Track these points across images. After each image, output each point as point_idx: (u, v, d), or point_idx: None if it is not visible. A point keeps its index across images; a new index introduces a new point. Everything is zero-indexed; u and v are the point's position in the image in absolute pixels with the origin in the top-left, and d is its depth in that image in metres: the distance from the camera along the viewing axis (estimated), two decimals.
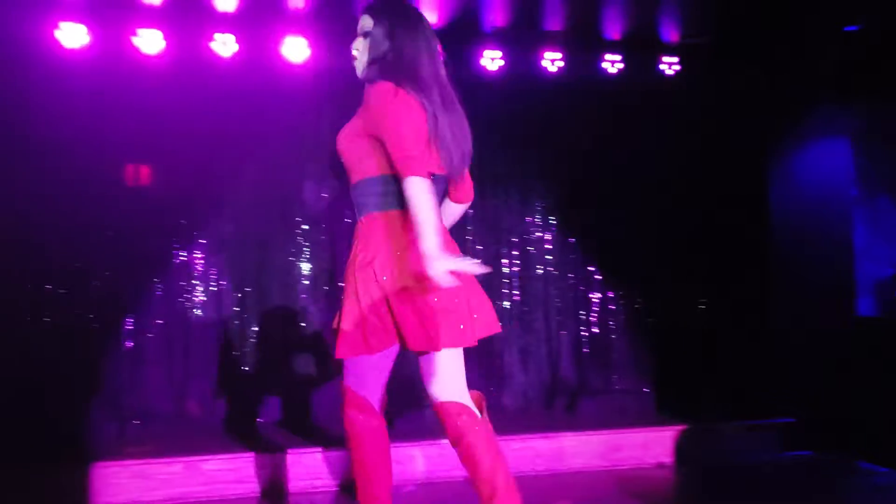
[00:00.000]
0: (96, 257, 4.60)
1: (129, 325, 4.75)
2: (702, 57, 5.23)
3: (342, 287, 2.52)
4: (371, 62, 2.49)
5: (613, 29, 5.07)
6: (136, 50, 4.58)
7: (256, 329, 4.95)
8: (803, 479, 4.14)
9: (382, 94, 2.35)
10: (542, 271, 5.45)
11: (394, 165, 2.33)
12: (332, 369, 4.61)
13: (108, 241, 4.62)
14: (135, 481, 3.75)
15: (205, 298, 4.93)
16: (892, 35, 4.30)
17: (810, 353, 4.78)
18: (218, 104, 4.80)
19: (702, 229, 5.36)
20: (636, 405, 5.04)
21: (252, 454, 3.91)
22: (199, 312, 4.90)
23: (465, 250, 5.31)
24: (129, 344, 4.73)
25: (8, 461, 3.68)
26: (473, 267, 2.24)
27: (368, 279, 2.36)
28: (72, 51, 4.48)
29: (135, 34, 4.54)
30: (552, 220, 5.48)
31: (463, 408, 2.42)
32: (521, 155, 5.40)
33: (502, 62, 5.04)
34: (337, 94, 4.75)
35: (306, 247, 5.06)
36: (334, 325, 2.49)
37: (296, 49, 4.75)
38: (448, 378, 2.45)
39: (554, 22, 4.98)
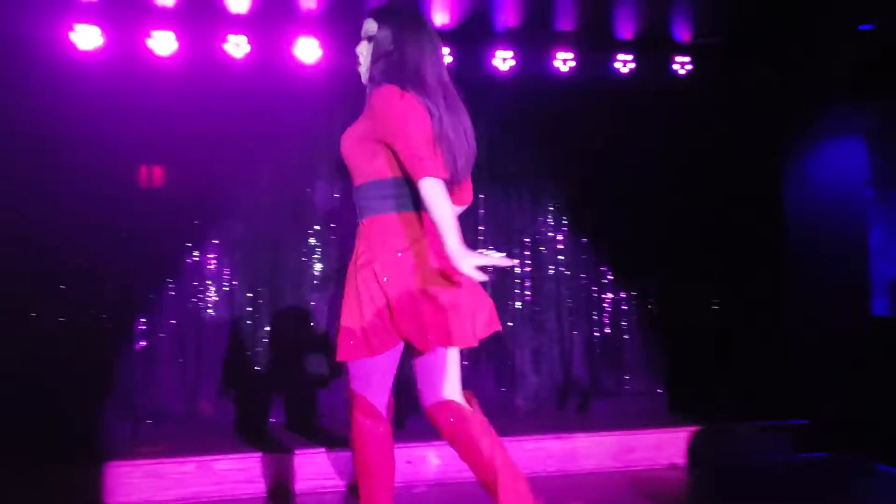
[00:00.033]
0: (110, 258, 4.62)
1: (143, 325, 4.77)
2: (714, 57, 5.21)
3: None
4: (375, 66, 2.50)
5: (625, 29, 5.05)
6: (150, 51, 4.60)
7: (268, 329, 4.96)
8: (818, 481, 4.11)
9: (388, 97, 2.36)
10: (553, 271, 5.44)
11: (405, 167, 2.34)
12: (343, 370, 4.61)
13: (122, 242, 4.64)
14: (148, 481, 3.76)
15: (217, 299, 4.94)
16: None
17: (825, 353, 4.75)
18: (230, 105, 4.82)
19: (715, 229, 5.34)
20: (649, 406, 5.03)
21: (264, 454, 3.92)
22: (211, 313, 4.92)
23: (476, 250, 5.29)
24: (142, 344, 4.76)
25: (22, 460, 3.70)
26: (500, 260, 2.26)
27: (369, 280, 2.37)
28: (86, 52, 4.51)
29: (148, 36, 4.57)
30: (564, 221, 5.47)
31: (456, 405, 2.47)
32: (533, 155, 5.39)
33: (514, 62, 5.04)
34: (349, 94, 4.72)
35: (318, 247, 5.07)
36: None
37: (308, 50, 4.76)
38: (446, 377, 2.49)
39: (566, 22, 4.97)
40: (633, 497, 3.84)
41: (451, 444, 2.48)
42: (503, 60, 5.02)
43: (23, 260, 4.24)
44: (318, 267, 5.06)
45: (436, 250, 2.41)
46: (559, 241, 5.47)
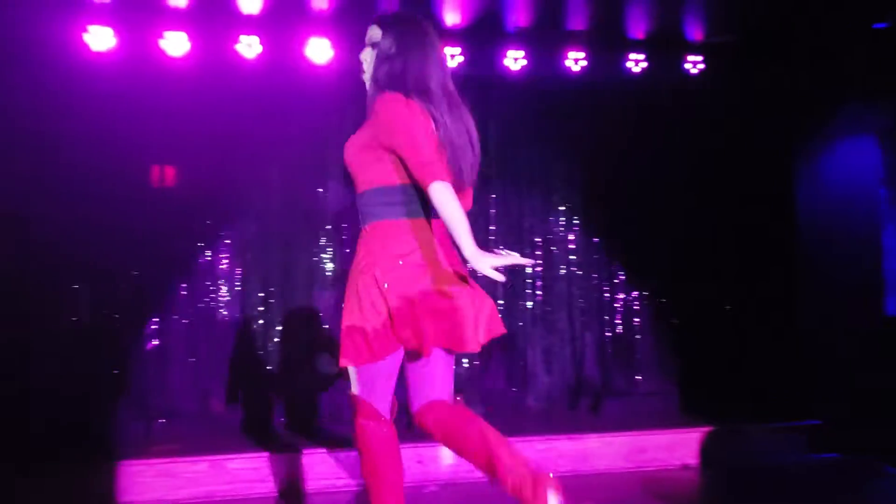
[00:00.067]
0: (123, 258, 4.65)
1: (155, 324, 4.80)
2: (727, 56, 5.19)
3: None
4: (378, 72, 2.50)
5: (637, 28, 5.04)
6: (162, 52, 4.62)
7: (280, 329, 4.98)
8: (830, 482, 4.09)
9: (392, 104, 2.37)
10: (565, 271, 5.44)
11: (413, 174, 2.35)
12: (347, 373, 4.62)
13: (135, 242, 4.66)
14: (160, 480, 3.78)
15: (229, 298, 4.96)
16: None
17: (838, 353, 4.72)
18: (242, 105, 4.84)
19: (727, 229, 5.32)
20: (661, 406, 5.02)
21: (276, 453, 3.94)
22: (223, 312, 4.94)
23: (488, 250, 5.29)
24: (155, 343, 4.78)
25: (36, 459, 3.73)
26: (518, 260, 2.26)
27: (370, 286, 2.37)
28: (99, 53, 4.53)
29: (161, 37, 4.59)
30: (576, 220, 5.47)
31: (443, 402, 2.47)
32: (544, 155, 5.39)
33: (525, 62, 5.03)
34: (360, 94, 4.71)
35: (329, 247, 5.08)
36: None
37: (319, 50, 4.77)
38: (440, 382, 2.49)
39: (577, 21, 4.96)
40: (644, 497, 3.83)
41: (445, 441, 2.45)
42: (514, 60, 5.02)
43: (36, 260, 4.27)
44: (329, 267, 5.07)
45: (444, 256, 2.42)
46: (571, 241, 5.46)
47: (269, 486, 3.88)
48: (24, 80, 4.27)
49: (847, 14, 4.49)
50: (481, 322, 2.43)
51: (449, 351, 2.48)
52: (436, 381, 2.49)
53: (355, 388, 2.48)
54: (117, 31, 4.53)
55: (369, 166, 2.44)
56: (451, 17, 4.79)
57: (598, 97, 5.22)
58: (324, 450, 3.99)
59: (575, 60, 5.09)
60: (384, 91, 2.42)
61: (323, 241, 5.08)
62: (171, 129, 4.73)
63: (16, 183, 4.19)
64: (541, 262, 5.41)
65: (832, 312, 4.81)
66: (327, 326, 4.99)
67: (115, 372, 4.57)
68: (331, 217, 5.06)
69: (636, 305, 5.49)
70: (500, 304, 5.34)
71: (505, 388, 5.25)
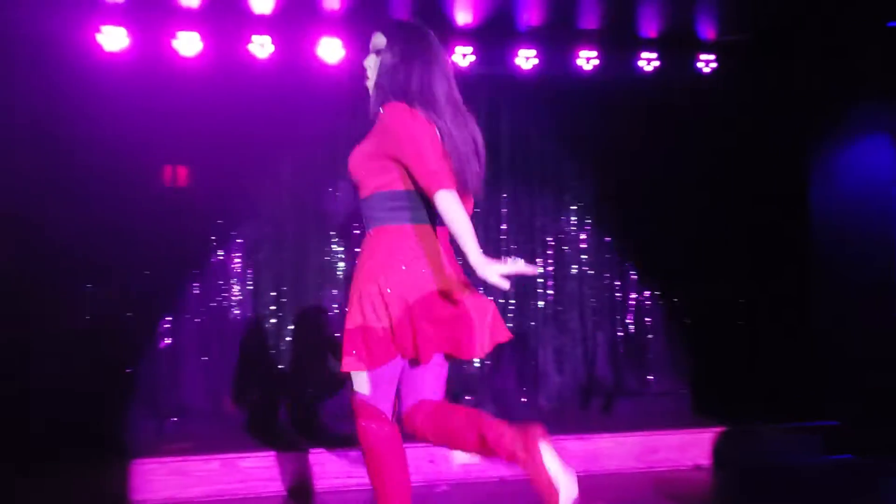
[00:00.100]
0: (135, 257, 4.66)
1: (168, 323, 4.82)
2: (740, 55, 5.17)
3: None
4: (383, 80, 2.51)
5: (650, 27, 5.03)
6: (175, 52, 4.64)
7: (292, 328, 4.99)
8: (844, 484, 4.06)
9: (397, 114, 2.38)
10: (577, 271, 5.42)
11: (419, 184, 2.36)
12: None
13: (147, 242, 4.68)
14: (173, 478, 3.80)
15: (241, 298, 4.98)
16: None
17: (852, 353, 4.69)
18: (255, 105, 4.85)
19: (740, 228, 5.29)
20: (673, 406, 5.00)
21: (288, 452, 3.94)
22: (236, 311, 4.96)
23: (499, 250, 5.31)
24: (168, 342, 4.80)
25: (49, 458, 3.75)
26: (525, 268, 2.24)
27: (373, 292, 2.38)
28: (112, 53, 4.55)
29: (174, 37, 4.60)
30: (587, 220, 5.45)
31: (431, 401, 2.50)
32: (556, 154, 5.39)
33: (537, 61, 5.02)
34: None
35: (341, 247, 5.09)
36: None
37: (331, 50, 4.78)
38: (434, 384, 2.52)
39: (589, 20, 4.95)
40: (656, 498, 3.82)
41: (435, 435, 2.45)
42: (526, 59, 5.01)
43: (49, 260, 4.29)
44: (341, 266, 5.08)
45: (447, 263, 2.44)
46: (582, 241, 5.45)
47: (280, 485, 3.90)
48: (38, 80, 4.29)
49: (861, 12, 4.46)
50: (485, 329, 2.44)
51: (450, 357, 2.50)
52: (427, 384, 2.51)
53: (358, 390, 2.48)
54: (130, 32, 4.55)
55: (375, 175, 2.45)
56: (463, 17, 4.79)
57: (611, 96, 5.20)
58: (336, 448, 4.00)
59: (587, 59, 5.07)
60: (389, 100, 2.44)
61: (334, 240, 5.09)
62: (182, 129, 4.75)
63: (30, 183, 4.21)
64: (552, 261, 5.40)
65: (845, 312, 4.78)
66: (339, 325, 4.99)
67: (128, 371, 4.59)
68: (342, 217, 5.07)
69: (648, 305, 5.47)
70: (512, 304, 5.34)
71: (516, 387, 5.25)
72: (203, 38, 4.64)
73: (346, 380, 4.71)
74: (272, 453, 3.93)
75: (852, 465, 4.36)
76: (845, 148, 4.90)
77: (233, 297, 4.97)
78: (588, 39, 5.06)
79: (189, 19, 4.62)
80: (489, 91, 5.25)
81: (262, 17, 4.71)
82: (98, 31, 4.50)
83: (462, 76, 4.84)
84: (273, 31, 4.72)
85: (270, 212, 5.02)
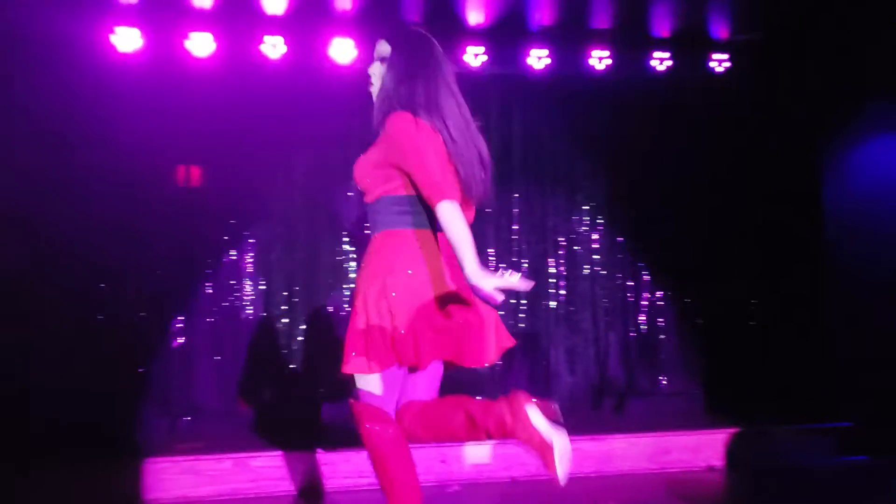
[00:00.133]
0: (148, 256, 4.69)
1: (180, 323, 4.84)
2: (752, 54, 5.14)
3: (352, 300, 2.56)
4: (387, 89, 2.52)
5: (662, 26, 5.01)
6: (188, 53, 4.65)
7: (304, 328, 5.00)
8: (859, 485, 4.03)
9: (402, 124, 2.39)
10: (588, 271, 5.41)
11: (422, 193, 2.37)
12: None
13: (160, 242, 4.70)
14: (185, 477, 3.81)
15: (253, 297, 5.00)
16: None
17: (865, 352, 4.66)
18: (267, 106, 4.87)
19: (752, 227, 5.27)
20: (685, 406, 4.98)
21: (299, 452, 3.95)
22: (248, 311, 4.98)
23: (511, 250, 5.31)
24: (180, 342, 4.82)
25: (61, 457, 3.77)
26: (519, 283, 2.24)
27: (378, 296, 2.38)
28: (125, 54, 4.57)
29: (186, 37, 4.62)
30: (599, 219, 5.44)
31: (420, 400, 2.50)
32: (568, 153, 5.38)
33: (549, 61, 5.01)
34: None
35: (353, 247, 5.10)
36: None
37: (343, 50, 4.78)
38: (428, 386, 2.53)
39: (601, 20, 4.94)
40: (668, 499, 3.81)
41: (426, 430, 2.46)
42: (538, 59, 5.00)
43: (62, 259, 4.31)
44: (352, 266, 5.08)
45: (450, 269, 2.44)
46: (594, 241, 5.44)
47: (292, 484, 3.90)
48: (52, 80, 4.31)
49: (873, 11, 4.43)
50: (490, 337, 2.46)
51: (452, 364, 2.51)
52: (420, 387, 2.52)
53: (362, 392, 2.48)
54: (143, 32, 4.57)
55: (381, 182, 2.47)
56: (475, 17, 4.79)
57: (623, 96, 5.19)
58: (347, 448, 3.99)
59: (599, 59, 5.06)
60: (394, 109, 2.45)
61: (346, 240, 5.09)
62: (195, 130, 4.77)
63: (44, 183, 4.23)
64: (564, 261, 5.39)
65: (859, 312, 4.75)
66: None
67: (141, 370, 4.61)
68: (354, 217, 5.07)
69: (660, 305, 5.45)
70: (523, 304, 5.34)
71: (528, 388, 5.19)
72: (216, 38, 4.65)
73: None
74: (283, 453, 3.94)
75: (866, 466, 4.32)
76: (858, 147, 4.86)
77: (245, 297, 4.99)
78: (600, 39, 5.05)
79: (202, 20, 4.63)
80: (501, 91, 5.25)
81: (274, 18, 4.72)
82: (112, 32, 4.52)
83: (474, 76, 4.93)
84: (285, 31, 4.73)
85: (283, 212, 5.03)
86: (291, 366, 4.97)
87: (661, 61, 5.11)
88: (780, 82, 5.09)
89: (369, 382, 2.45)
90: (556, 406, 2.42)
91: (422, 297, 2.37)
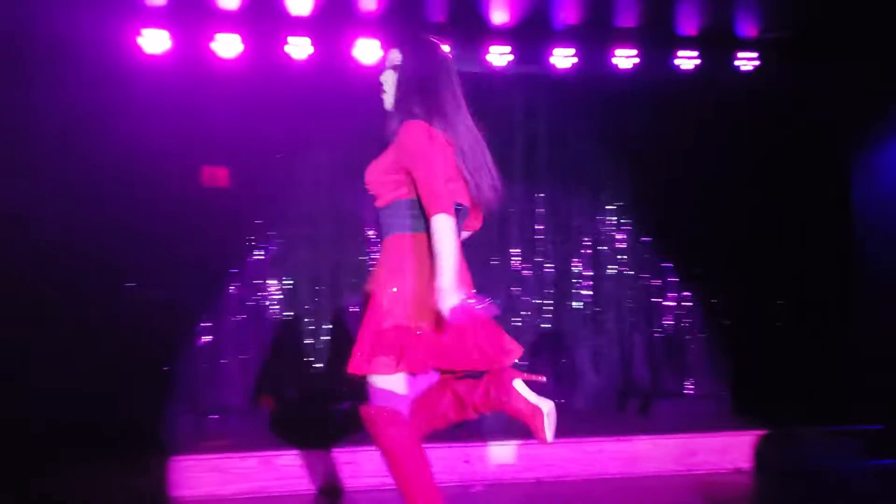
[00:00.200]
0: (175, 256, 4.72)
1: (207, 321, 4.87)
2: (781, 52, 5.08)
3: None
4: (399, 97, 2.57)
5: (689, 25, 4.97)
6: (214, 54, 4.68)
7: (329, 327, 5.02)
8: (888, 489, 3.97)
9: (415, 133, 2.44)
10: (614, 271, 5.38)
11: (422, 201, 2.42)
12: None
13: (187, 241, 4.73)
14: (212, 474, 3.84)
15: (280, 296, 5.03)
16: None
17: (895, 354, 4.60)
18: (293, 106, 4.89)
19: (779, 227, 5.21)
20: (712, 408, 4.92)
21: (324, 450, 3.96)
22: (274, 310, 5.01)
23: (535, 250, 5.30)
24: (207, 340, 4.86)
25: (90, 455, 3.80)
26: (483, 307, 2.32)
27: (400, 298, 2.41)
28: (152, 56, 4.62)
29: (213, 39, 4.65)
30: (625, 219, 5.41)
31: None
32: (593, 153, 5.35)
33: (574, 60, 4.98)
34: None
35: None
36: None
37: (368, 51, 4.79)
38: (424, 386, 2.59)
39: (627, 18, 4.90)
40: (695, 501, 3.78)
41: (418, 426, 2.54)
42: (563, 58, 4.97)
43: (88, 258, 4.35)
44: None
45: (461, 272, 2.47)
46: (620, 241, 5.41)
47: (317, 483, 3.92)
48: (79, 81, 4.35)
49: None
50: (491, 342, 2.48)
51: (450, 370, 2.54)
52: (416, 387, 2.56)
53: (380, 391, 2.48)
54: (171, 34, 4.60)
55: (392, 187, 2.52)
56: (500, 16, 4.78)
57: (649, 95, 5.15)
58: (371, 448, 4.00)
59: (625, 58, 5.02)
60: (408, 117, 2.49)
61: (371, 240, 5.11)
62: (221, 130, 4.80)
63: (72, 184, 4.27)
64: (589, 262, 5.38)
65: (888, 312, 4.68)
66: None
67: (168, 369, 4.65)
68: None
69: (686, 306, 5.41)
70: (548, 304, 5.33)
71: (552, 389, 5.20)
72: (242, 39, 4.68)
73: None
74: (309, 451, 3.95)
75: None
76: (887, 146, 4.81)
77: (271, 296, 5.02)
78: (626, 38, 5.01)
79: (228, 22, 4.66)
80: (526, 91, 5.25)
81: (299, 19, 4.74)
82: (139, 34, 4.56)
83: (499, 76, 4.91)
84: (311, 32, 4.75)
85: (308, 212, 5.06)
86: (316, 365, 4.99)
87: (688, 60, 5.06)
88: (809, 81, 5.03)
89: (393, 383, 2.46)
90: (542, 378, 2.55)
91: (429, 301, 2.38)
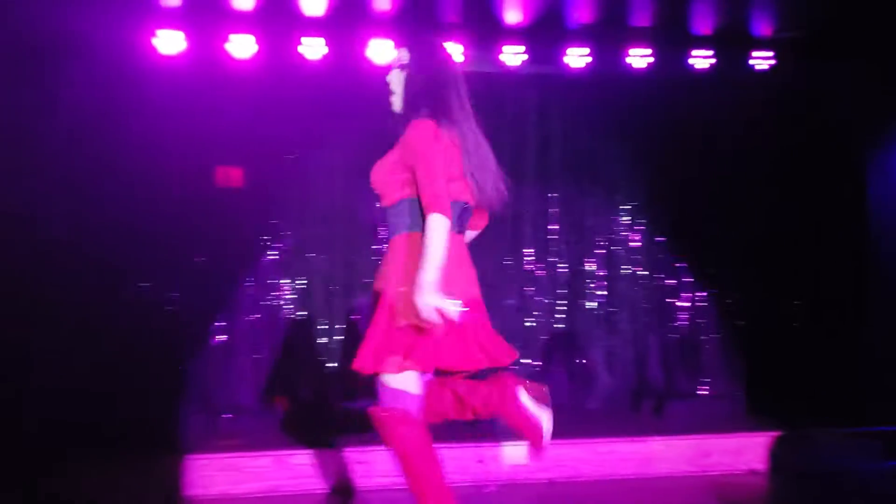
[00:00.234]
0: (189, 255, 4.75)
1: (221, 321, 4.89)
2: (797, 51, 5.05)
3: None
4: (407, 96, 2.60)
5: (703, 24, 4.94)
6: (228, 55, 4.70)
7: (343, 327, 5.03)
8: None
9: (422, 133, 2.46)
10: (628, 271, 5.37)
11: (421, 199, 2.45)
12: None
13: (201, 241, 4.76)
14: (225, 474, 3.86)
15: (294, 296, 5.04)
16: None
17: None
18: (307, 106, 4.91)
19: (796, 228, 5.18)
20: (727, 409, 4.90)
21: (337, 450, 3.97)
22: (287, 310, 5.02)
23: (549, 250, 5.29)
24: (221, 339, 4.88)
25: (104, 453, 3.83)
26: (455, 311, 2.33)
27: (410, 298, 2.41)
28: (167, 57, 4.64)
29: (227, 40, 4.67)
30: (639, 219, 5.39)
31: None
32: (607, 153, 5.34)
33: (588, 59, 4.97)
34: None
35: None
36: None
37: (381, 51, 4.80)
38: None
39: (642, 17, 4.89)
40: (709, 502, 3.76)
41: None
42: (577, 57, 4.96)
43: (104, 258, 4.37)
44: None
45: (465, 272, 2.53)
46: (634, 241, 5.39)
47: (330, 482, 3.93)
48: (93, 82, 4.37)
49: None
50: (487, 344, 2.50)
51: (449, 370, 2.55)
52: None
53: (392, 391, 2.50)
54: (185, 35, 4.62)
55: (399, 186, 2.54)
56: (513, 15, 4.77)
57: (663, 94, 5.12)
58: (383, 447, 4.00)
59: (639, 57, 5.00)
60: (416, 117, 2.51)
61: (384, 241, 5.11)
62: (236, 130, 4.82)
63: (86, 184, 4.30)
64: (603, 261, 5.36)
65: None
66: None
67: (182, 368, 4.67)
68: None
69: (700, 306, 5.38)
70: (562, 304, 5.32)
71: (566, 389, 5.21)
72: (257, 40, 4.70)
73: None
74: (321, 451, 3.96)
75: None
76: None
77: (285, 296, 5.04)
78: (640, 37, 5.00)
79: (242, 22, 4.68)
80: (540, 90, 5.24)
81: (313, 20, 4.75)
82: (154, 34, 4.58)
83: (513, 75, 4.91)
84: (324, 32, 4.76)
85: (322, 212, 5.08)
86: (330, 364, 5.01)
87: (702, 59, 5.04)
88: (824, 80, 5.00)
89: (407, 382, 2.47)
90: (545, 388, 2.55)
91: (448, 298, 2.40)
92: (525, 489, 3.94)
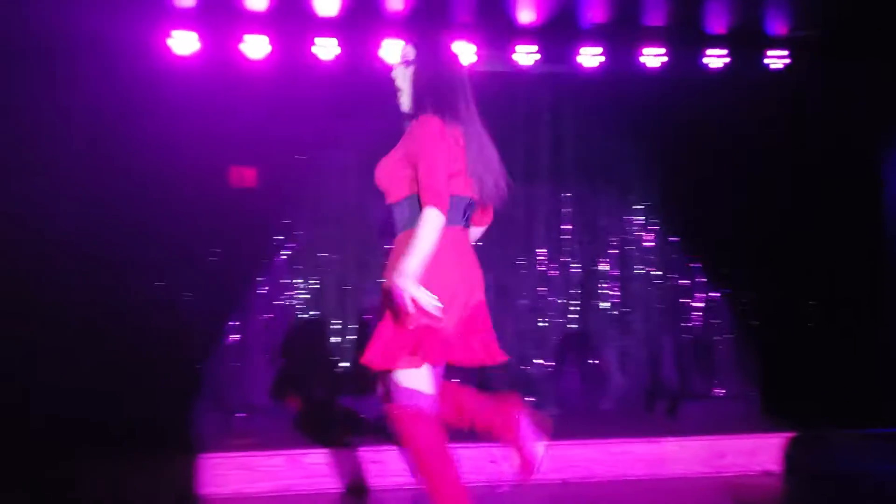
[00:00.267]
0: (204, 254, 4.78)
1: (235, 321, 4.91)
2: (812, 50, 5.03)
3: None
4: (413, 92, 2.61)
5: (718, 23, 4.93)
6: (243, 56, 4.72)
7: (355, 326, 5.04)
8: None
9: (428, 129, 2.47)
10: (642, 271, 5.35)
11: (420, 193, 2.45)
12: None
13: (215, 240, 4.79)
14: (239, 473, 3.87)
15: (307, 296, 5.06)
16: None
17: None
18: (320, 106, 4.92)
19: (810, 227, 5.15)
20: (741, 410, 4.88)
21: (351, 449, 3.98)
22: (300, 309, 5.04)
23: (562, 250, 5.29)
24: (235, 339, 4.90)
25: (119, 452, 3.84)
26: (431, 305, 2.33)
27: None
28: (182, 57, 4.66)
29: (241, 41, 4.69)
30: (653, 219, 5.38)
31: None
32: (621, 153, 5.33)
33: (602, 58, 4.96)
34: None
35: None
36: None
37: (394, 51, 4.80)
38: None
39: (655, 17, 4.87)
40: (723, 503, 3.75)
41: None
42: (591, 57, 4.95)
43: (118, 257, 4.39)
44: None
45: (468, 267, 2.55)
46: (647, 241, 5.37)
47: (344, 481, 3.93)
48: (109, 84, 4.39)
49: None
50: (474, 346, 2.50)
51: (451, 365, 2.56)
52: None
53: (407, 389, 2.49)
54: (199, 36, 4.65)
55: (404, 182, 2.55)
56: (526, 15, 4.77)
57: (677, 94, 5.11)
58: (397, 446, 4.01)
59: (653, 56, 4.99)
60: (423, 112, 2.53)
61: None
62: (249, 131, 4.84)
63: (101, 185, 4.32)
64: (617, 261, 5.35)
65: None
66: None
67: (195, 367, 4.69)
68: None
69: (714, 306, 5.36)
70: (575, 305, 5.31)
71: (579, 389, 5.20)
72: (270, 41, 4.71)
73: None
74: (335, 450, 3.97)
75: None
76: None
77: (298, 296, 5.05)
78: (654, 36, 4.99)
79: (256, 23, 4.70)
80: (553, 89, 5.23)
81: (326, 20, 4.77)
82: (168, 35, 4.61)
83: (525, 75, 4.90)
84: (338, 33, 4.77)
85: (335, 212, 5.09)
86: (343, 364, 5.01)
87: (716, 58, 5.02)
88: (839, 79, 4.97)
89: (421, 381, 2.47)
90: (548, 420, 2.58)
91: (456, 294, 2.44)
92: (538, 489, 3.93)
